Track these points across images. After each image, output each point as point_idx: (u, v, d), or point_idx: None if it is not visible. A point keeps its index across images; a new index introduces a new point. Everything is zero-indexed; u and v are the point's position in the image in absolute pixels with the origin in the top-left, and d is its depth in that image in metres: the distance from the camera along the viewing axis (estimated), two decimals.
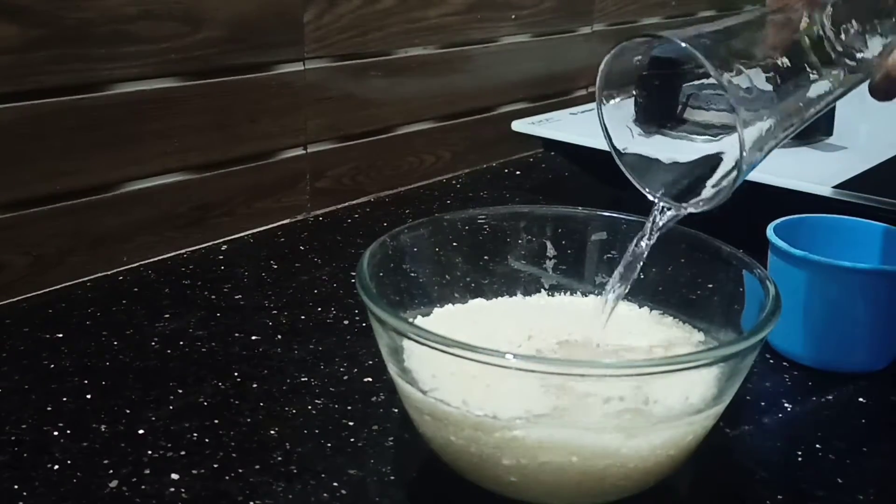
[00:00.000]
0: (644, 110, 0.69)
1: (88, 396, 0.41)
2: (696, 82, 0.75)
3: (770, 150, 0.32)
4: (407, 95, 0.71)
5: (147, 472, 0.35)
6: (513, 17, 0.78)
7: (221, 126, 0.58)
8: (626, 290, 0.35)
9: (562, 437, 0.30)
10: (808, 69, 0.32)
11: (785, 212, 0.57)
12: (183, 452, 0.37)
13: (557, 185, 0.75)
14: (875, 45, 0.33)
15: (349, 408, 0.40)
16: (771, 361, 0.45)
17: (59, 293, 0.51)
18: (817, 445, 0.38)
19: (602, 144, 0.63)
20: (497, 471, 0.32)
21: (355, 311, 0.49)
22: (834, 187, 0.53)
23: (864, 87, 0.35)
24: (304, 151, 0.64)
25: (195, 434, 0.38)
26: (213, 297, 0.51)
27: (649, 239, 0.35)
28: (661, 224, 0.35)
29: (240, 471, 0.36)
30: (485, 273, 0.42)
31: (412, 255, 0.39)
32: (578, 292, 0.42)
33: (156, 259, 0.56)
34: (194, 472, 0.35)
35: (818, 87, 0.32)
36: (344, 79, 0.66)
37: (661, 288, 0.40)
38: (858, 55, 0.33)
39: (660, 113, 0.67)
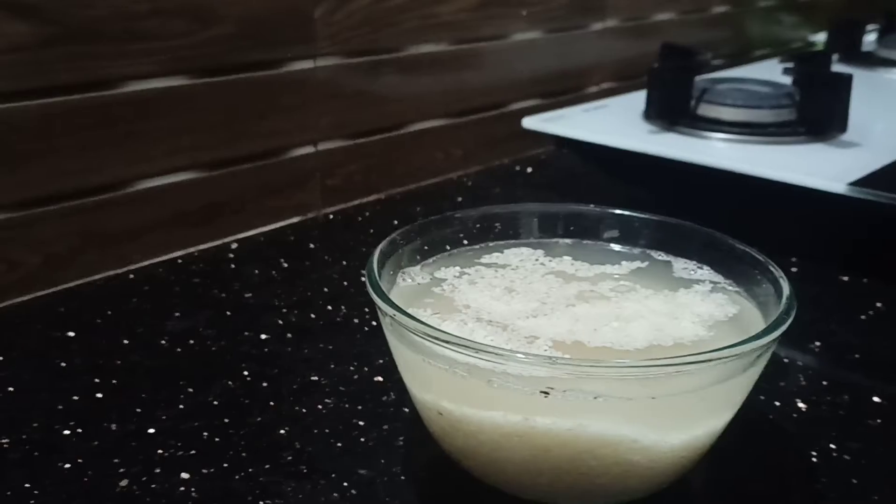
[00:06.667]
0: (656, 106, 0.69)
1: (99, 395, 0.41)
2: (710, 76, 0.74)
3: None
4: (418, 92, 0.71)
5: (157, 470, 0.35)
6: (524, 13, 0.78)
7: (232, 124, 0.58)
8: None
9: (574, 438, 0.29)
10: None
11: (799, 209, 0.57)
12: (193, 451, 0.37)
13: (569, 183, 0.75)
14: None
15: (359, 407, 0.40)
16: (785, 361, 0.45)
17: (70, 291, 0.52)
18: (832, 446, 0.38)
19: (613, 141, 0.63)
20: (509, 471, 0.32)
21: (366, 310, 0.49)
22: (849, 184, 0.53)
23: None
24: (314, 149, 0.64)
25: (205, 433, 0.38)
26: (224, 295, 0.51)
27: None
28: None
29: (250, 470, 0.35)
30: None
31: (423, 252, 0.39)
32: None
33: (166, 257, 0.56)
34: (204, 471, 0.35)
35: None
36: (355, 76, 0.65)
37: None
38: None
39: (671, 109, 0.67)
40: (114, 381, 0.42)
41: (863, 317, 0.50)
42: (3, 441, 0.37)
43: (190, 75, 0.55)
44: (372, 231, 0.62)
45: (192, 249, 0.58)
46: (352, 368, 0.43)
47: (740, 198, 0.59)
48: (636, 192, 0.65)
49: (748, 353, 0.30)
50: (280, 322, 0.48)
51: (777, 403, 0.41)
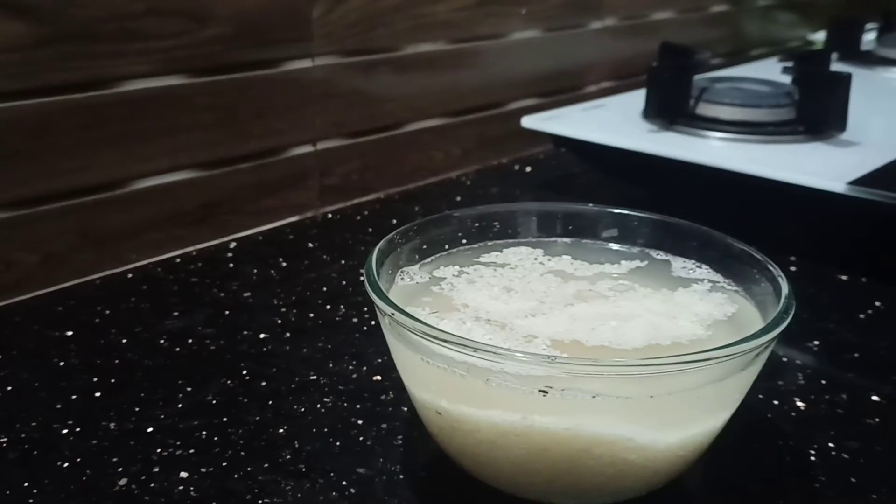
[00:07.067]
0: (654, 105, 0.69)
1: (97, 394, 0.41)
2: (709, 75, 0.74)
3: None
4: (416, 91, 0.71)
5: (156, 470, 0.35)
6: (524, 11, 0.78)
7: (229, 123, 0.58)
8: None
9: (572, 437, 0.29)
10: None
11: (797, 208, 0.57)
12: (192, 451, 0.37)
13: (567, 182, 0.75)
14: None
15: (358, 406, 0.40)
16: (784, 360, 0.45)
17: (68, 291, 0.51)
18: (830, 444, 0.38)
19: (612, 140, 0.63)
20: (507, 470, 0.32)
21: (364, 309, 0.49)
22: (848, 183, 0.53)
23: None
24: (312, 148, 0.64)
25: (204, 432, 0.38)
26: (222, 294, 0.51)
27: None
28: None
29: (248, 469, 0.35)
30: None
31: (421, 251, 0.39)
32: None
33: (164, 257, 0.56)
34: (203, 470, 0.35)
35: None
36: (353, 75, 0.65)
37: None
38: None
39: (670, 108, 0.67)
40: (112, 381, 0.42)
41: (861, 316, 0.50)
42: (2, 440, 0.37)
43: (187, 75, 0.55)
44: (370, 230, 0.62)
45: (190, 249, 0.58)
46: (350, 367, 0.43)
47: (739, 197, 0.59)
48: (635, 192, 0.65)
49: (746, 352, 0.30)
50: (278, 321, 0.48)
51: (775, 402, 0.41)
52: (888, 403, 0.41)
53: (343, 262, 0.56)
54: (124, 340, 0.46)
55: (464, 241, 0.41)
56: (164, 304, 0.50)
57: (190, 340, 0.46)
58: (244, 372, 0.43)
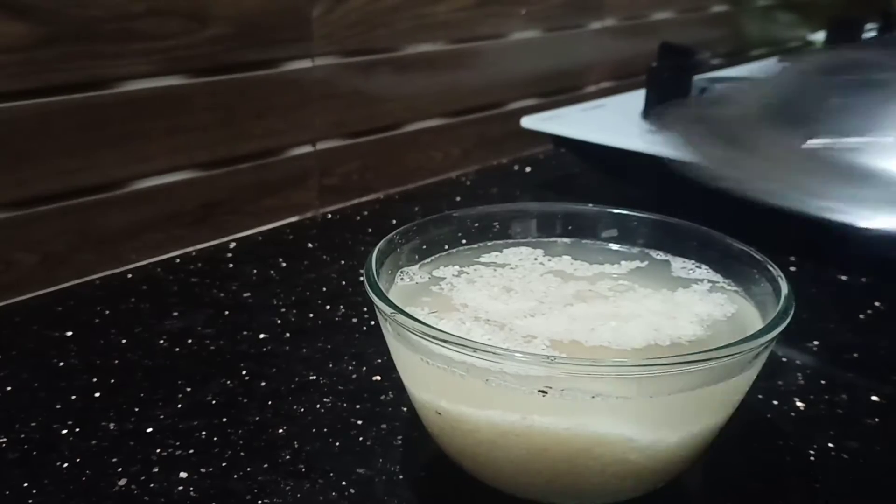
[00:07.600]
0: (654, 105, 0.69)
1: (97, 395, 0.41)
2: (709, 75, 0.74)
3: None
4: (416, 92, 0.71)
5: (155, 470, 0.35)
6: (524, 12, 0.78)
7: (229, 123, 0.58)
8: None
9: (572, 437, 0.29)
10: None
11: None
12: (191, 451, 0.37)
13: (567, 182, 0.75)
14: None
15: (357, 406, 0.40)
16: (783, 360, 0.45)
17: (68, 291, 0.51)
18: (830, 445, 0.38)
19: (612, 141, 0.63)
20: (507, 470, 0.32)
21: (364, 310, 0.49)
22: None
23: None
24: (312, 149, 0.64)
25: (203, 432, 0.38)
26: (222, 294, 0.51)
27: None
28: None
29: (248, 469, 0.35)
30: None
31: (421, 252, 0.39)
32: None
33: (164, 257, 0.56)
34: (202, 470, 0.35)
35: None
36: (352, 75, 0.65)
37: None
38: None
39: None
40: (112, 381, 0.42)
41: (861, 316, 0.50)
42: (2, 440, 0.37)
43: (187, 75, 0.55)
44: (370, 230, 0.62)
45: (189, 249, 0.58)
46: (350, 368, 0.43)
47: (739, 197, 0.59)
48: (635, 192, 0.65)
49: (746, 352, 0.30)
50: (278, 321, 0.48)
51: (775, 402, 0.41)
52: (888, 403, 0.41)
53: (343, 262, 0.56)
54: (124, 340, 0.46)
55: (464, 241, 0.41)
56: (164, 305, 0.50)
57: (190, 340, 0.46)
58: (244, 372, 0.43)
